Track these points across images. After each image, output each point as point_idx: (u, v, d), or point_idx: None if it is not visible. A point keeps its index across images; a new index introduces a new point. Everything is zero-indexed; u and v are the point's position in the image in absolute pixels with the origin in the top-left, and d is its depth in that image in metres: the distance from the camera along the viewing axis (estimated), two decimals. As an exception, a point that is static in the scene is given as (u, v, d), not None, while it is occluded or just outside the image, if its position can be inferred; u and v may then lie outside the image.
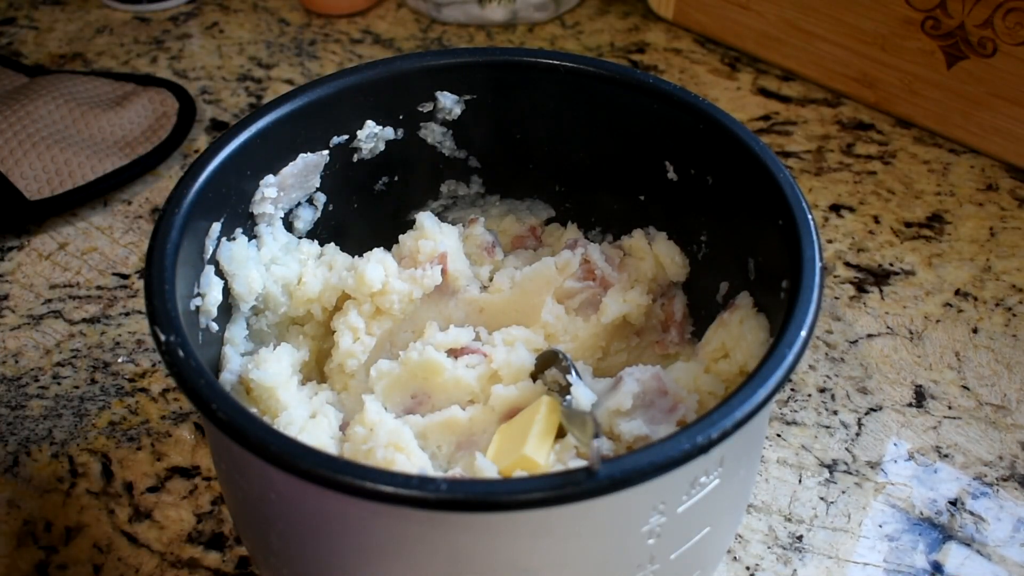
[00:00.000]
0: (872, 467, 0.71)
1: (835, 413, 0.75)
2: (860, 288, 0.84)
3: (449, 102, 0.68)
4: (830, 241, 0.88)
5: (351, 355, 0.65)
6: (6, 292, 0.84)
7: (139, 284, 0.85)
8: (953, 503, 0.69)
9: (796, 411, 0.75)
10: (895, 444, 0.73)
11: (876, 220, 0.90)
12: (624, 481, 0.45)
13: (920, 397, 0.76)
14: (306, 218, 0.68)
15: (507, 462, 0.56)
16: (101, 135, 0.95)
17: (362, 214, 0.71)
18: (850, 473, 0.71)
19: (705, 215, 0.66)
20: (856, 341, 0.80)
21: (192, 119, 0.99)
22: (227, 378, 0.61)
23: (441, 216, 0.73)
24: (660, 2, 1.10)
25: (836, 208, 0.91)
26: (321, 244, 0.69)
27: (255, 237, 0.64)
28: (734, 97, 1.03)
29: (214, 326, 0.60)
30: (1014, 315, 0.82)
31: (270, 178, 0.64)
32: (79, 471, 0.71)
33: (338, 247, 0.69)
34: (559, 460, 0.56)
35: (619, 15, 1.15)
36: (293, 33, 1.13)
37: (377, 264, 0.66)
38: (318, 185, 0.67)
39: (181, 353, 0.49)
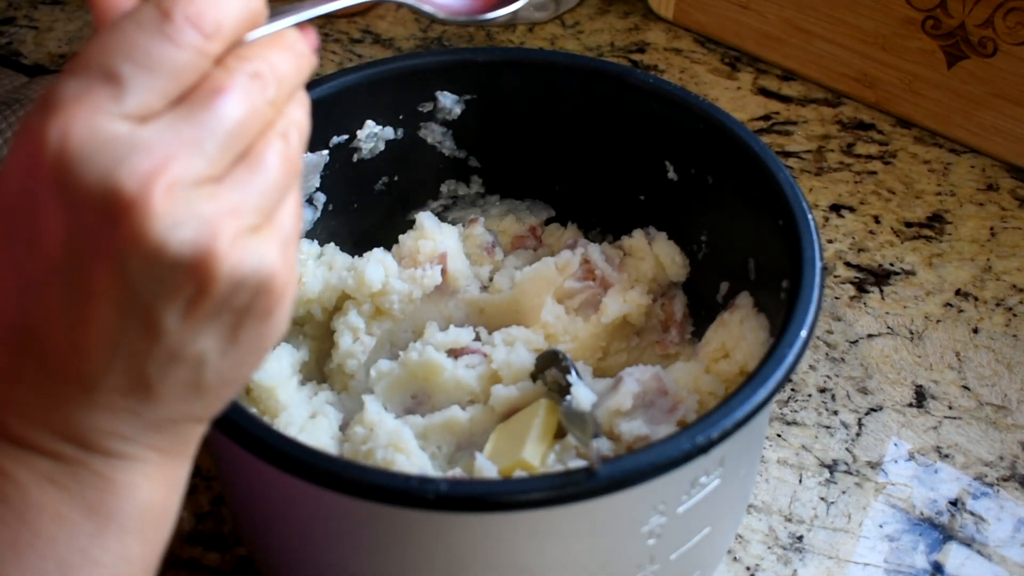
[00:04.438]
0: (872, 467, 0.71)
1: (835, 413, 0.75)
2: (860, 288, 0.84)
3: (449, 102, 0.68)
4: (830, 241, 0.88)
5: (351, 355, 0.65)
6: (6, 292, 0.84)
7: (139, 284, 0.85)
8: (953, 503, 0.69)
9: (796, 411, 0.75)
10: (895, 444, 0.73)
11: (876, 220, 0.90)
12: (624, 481, 0.45)
13: (920, 397, 0.76)
14: (306, 218, 0.68)
15: (504, 463, 0.56)
16: (101, 135, 0.95)
17: (362, 214, 0.71)
18: (850, 473, 0.71)
19: (705, 215, 0.66)
20: (856, 341, 0.80)
21: (192, 119, 0.99)
22: (227, 378, 0.61)
23: (441, 216, 0.73)
24: (660, 2, 1.10)
25: (836, 208, 0.91)
26: (321, 244, 0.69)
27: (255, 237, 0.64)
28: (734, 97, 1.03)
29: (214, 326, 0.60)
30: (1014, 315, 0.82)
31: (270, 178, 0.63)
32: (79, 471, 0.71)
33: (338, 247, 0.69)
34: (559, 460, 0.56)
35: (619, 15, 1.15)
36: (293, 33, 1.13)
37: (377, 264, 0.66)
38: (318, 185, 0.67)
39: (181, 353, 0.49)
